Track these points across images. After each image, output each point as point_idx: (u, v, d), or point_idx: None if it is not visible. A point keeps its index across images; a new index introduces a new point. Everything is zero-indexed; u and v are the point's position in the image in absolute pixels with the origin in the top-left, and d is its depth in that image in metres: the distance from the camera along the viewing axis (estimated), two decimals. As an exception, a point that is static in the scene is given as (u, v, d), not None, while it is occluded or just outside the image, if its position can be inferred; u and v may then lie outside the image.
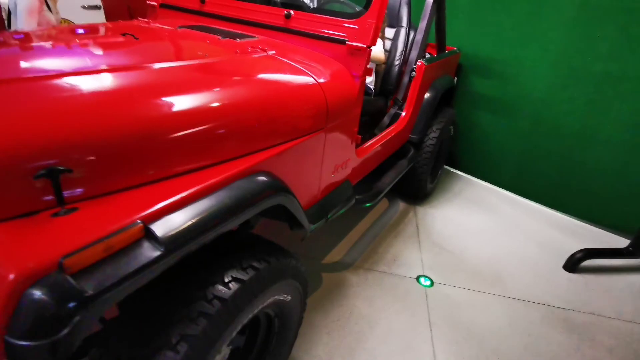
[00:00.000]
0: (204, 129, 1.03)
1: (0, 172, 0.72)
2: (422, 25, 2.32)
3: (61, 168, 0.76)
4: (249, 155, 1.14)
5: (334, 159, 1.60)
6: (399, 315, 1.94)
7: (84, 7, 3.18)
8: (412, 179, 2.74)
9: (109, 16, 3.29)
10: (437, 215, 2.88)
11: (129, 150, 0.89)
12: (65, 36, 1.46)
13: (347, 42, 1.57)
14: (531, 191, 3.19)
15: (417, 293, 2.10)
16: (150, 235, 0.81)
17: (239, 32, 1.77)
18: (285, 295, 1.24)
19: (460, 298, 2.10)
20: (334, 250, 2.35)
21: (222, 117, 1.08)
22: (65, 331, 0.65)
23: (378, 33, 1.56)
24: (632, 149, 2.62)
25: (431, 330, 1.87)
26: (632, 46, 2.47)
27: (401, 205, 2.95)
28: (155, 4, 2.11)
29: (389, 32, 2.53)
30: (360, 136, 1.76)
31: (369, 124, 2.36)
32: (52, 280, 0.66)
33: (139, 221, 0.80)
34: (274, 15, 1.76)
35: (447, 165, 3.55)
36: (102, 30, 1.67)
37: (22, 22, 2.10)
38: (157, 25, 1.77)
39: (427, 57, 2.52)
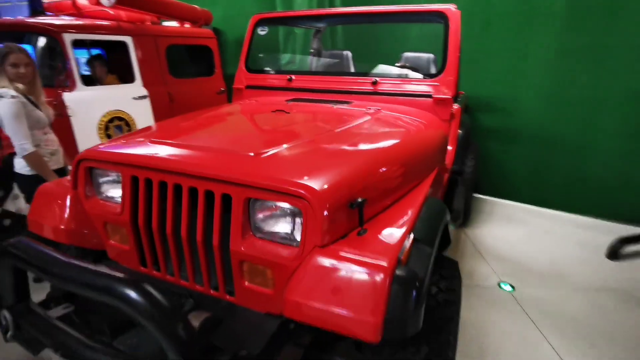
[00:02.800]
0: (415, 159, 1.44)
1: (338, 203, 1.02)
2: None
3: (364, 199, 1.07)
4: (420, 184, 1.49)
5: (440, 184, 1.97)
6: (504, 320, 2.20)
7: (134, 97, 3.52)
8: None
9: (154, 103, 3.65)
10: (484, 233, 3.25)
11: (383, 184, 1.24)
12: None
13: (432, 96, 2.01)
14: (549, 201, 3.68)
15: (506, 297, 2.39)
16: (416, 241, 1.11)
17: (333, 99, 2.17)
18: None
19: (543, 296, 2.40)
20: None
21: (419, 151, 1.53)
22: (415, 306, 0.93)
23: (457, 86, 2.01)
24: (626, 155, 3.21)
25: (538, 328, 2.14)
26: (609, 76, 3.14)
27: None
28: (242, 87, 2.49)
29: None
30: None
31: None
32: (404, 270, 0.94)
33: (411, 234, 1.10)
34: (360, 83, 2.19)
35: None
36: (252, 112, 2.02)
37: (12, 129, 2.00)
38: (274, 101, 2.15)
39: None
